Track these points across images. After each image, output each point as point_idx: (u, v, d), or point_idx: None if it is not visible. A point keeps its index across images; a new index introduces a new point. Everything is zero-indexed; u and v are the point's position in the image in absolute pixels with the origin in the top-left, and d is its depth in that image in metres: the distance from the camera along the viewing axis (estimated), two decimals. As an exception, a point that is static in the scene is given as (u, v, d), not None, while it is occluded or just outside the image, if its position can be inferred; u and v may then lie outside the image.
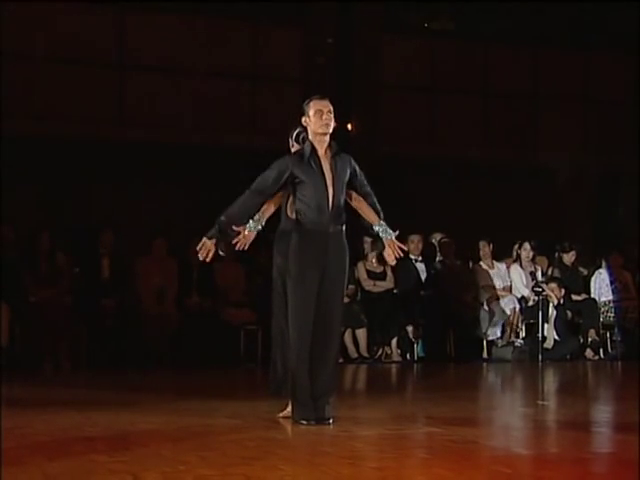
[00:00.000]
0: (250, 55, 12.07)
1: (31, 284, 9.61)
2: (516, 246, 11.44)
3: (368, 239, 10.74)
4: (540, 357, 10.80)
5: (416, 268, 11.14)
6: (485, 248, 11.36)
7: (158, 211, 11.29)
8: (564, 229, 12.44)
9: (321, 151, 5.65)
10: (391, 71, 12.51)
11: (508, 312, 11.08)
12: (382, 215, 5.75)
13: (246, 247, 5.65)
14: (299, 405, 5.56)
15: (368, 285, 10.83)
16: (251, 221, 5.60)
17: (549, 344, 11.01)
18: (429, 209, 12.29)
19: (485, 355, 11.08)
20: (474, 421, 6.08)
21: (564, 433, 5.66)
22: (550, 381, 9.70)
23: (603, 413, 6.87)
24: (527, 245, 11.34)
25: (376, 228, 5.74)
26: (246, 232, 5.59)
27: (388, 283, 10.88)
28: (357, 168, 5.76)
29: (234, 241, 5.62)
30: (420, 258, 11.18)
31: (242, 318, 10.50)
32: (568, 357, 11.10)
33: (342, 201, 5.64)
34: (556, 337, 11.06)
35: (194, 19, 11.72)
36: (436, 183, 12.47)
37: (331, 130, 5.67)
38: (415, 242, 11.12)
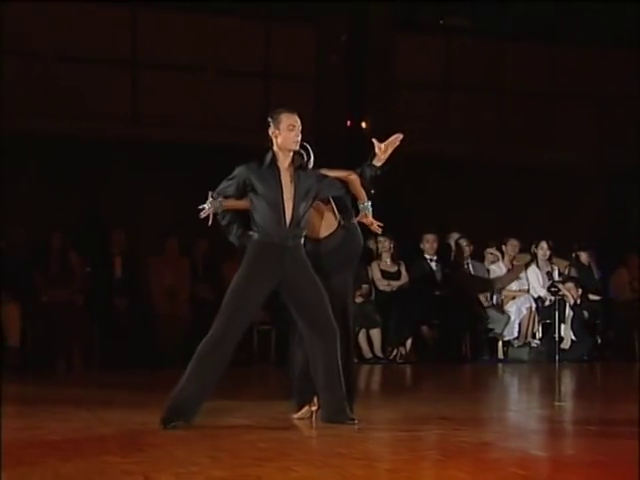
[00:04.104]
0: (263, 53, 12.03)
1: (43, 284, 9.62)
2: (533, 246, 11.35)
3: (381, 239, 10.67)
4: (557, 358, 10.72)
5: (431, 268, 11.08)
6: (515, 248, 11.28)
7: (171, 211, 11.25)
8: (581, 228, 12.33)
9: (285, 164, 5.58)
10: (405, 69, 12.44)
11: (524, 312, 11.00)
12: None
13: (209, 221, 5.55)
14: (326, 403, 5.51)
15: (382, 285, 10.77)
16: (211, 198, 5.55)
17: (566, 344, 10.92)
18: (444, 208, 12.20)
19: (501, 356, 11.00)
20: (489, 422, 6.04)
21: (581, 435, 5.59)
22: (567, 382, 9.62)
23: (621, 415, 6.78)
24: (544, 244, 11.25)
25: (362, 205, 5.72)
26: (206, 206, 5.54)
27: (402, 283, 10.82)
28: (321, 182, 5.61)
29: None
30: (435, 258, 11.11)
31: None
32: (585, 358, 11.00)
33: (303, 215, 5.52)
34: (573, 337, 10.96)
35: (207, 17, 11.69)
36: (451, 182, 12.38)
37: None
38: (430, 242, 11.06)
